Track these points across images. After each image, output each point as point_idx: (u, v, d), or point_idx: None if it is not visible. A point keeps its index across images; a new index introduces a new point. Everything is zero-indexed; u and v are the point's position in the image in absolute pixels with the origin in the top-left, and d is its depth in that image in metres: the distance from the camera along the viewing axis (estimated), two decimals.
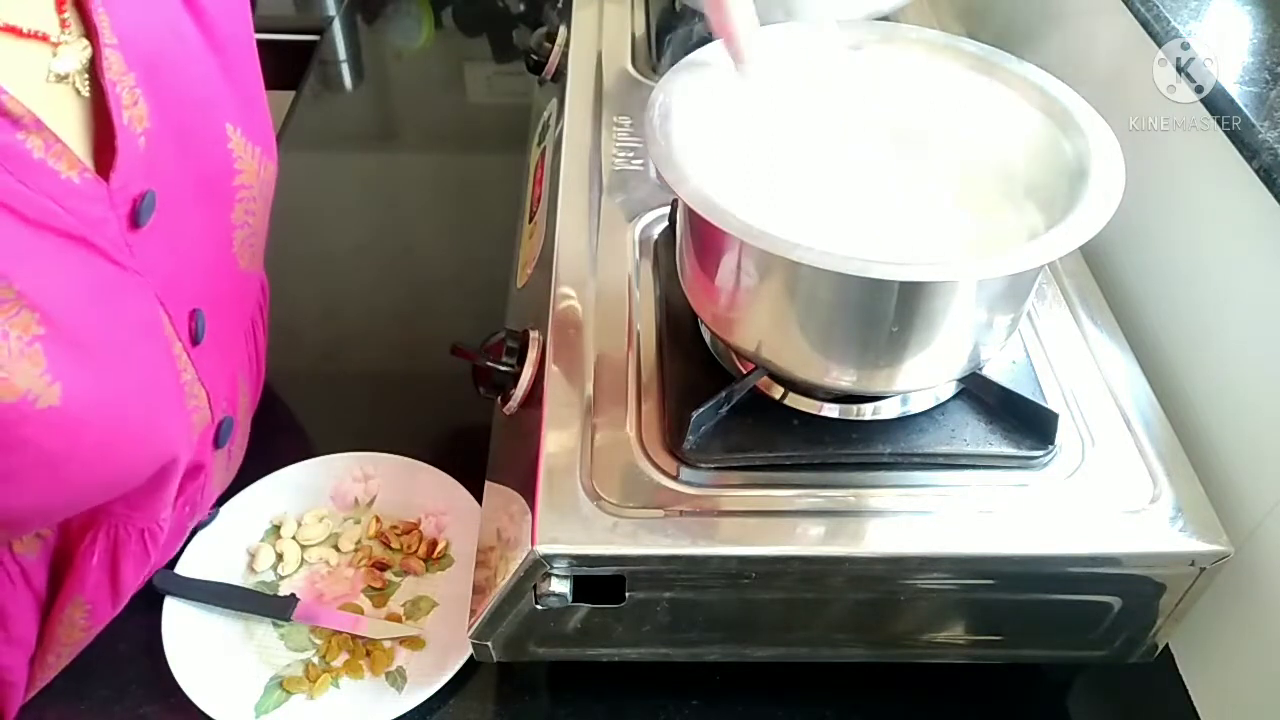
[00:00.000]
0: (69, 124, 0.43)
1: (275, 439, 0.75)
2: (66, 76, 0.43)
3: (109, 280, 0.46)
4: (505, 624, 0.52)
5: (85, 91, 0.44)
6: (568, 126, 0.75)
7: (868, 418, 0.54)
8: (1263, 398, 0.56)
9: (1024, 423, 0.53)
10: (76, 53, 0.43)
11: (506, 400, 0.58)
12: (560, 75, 0.84)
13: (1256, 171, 0.53)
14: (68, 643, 0.57)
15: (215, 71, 0.53)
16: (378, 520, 0.67)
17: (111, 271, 0.46)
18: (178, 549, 0.63)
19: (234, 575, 0.64)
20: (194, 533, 0.65)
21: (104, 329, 0.45)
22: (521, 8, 1.32)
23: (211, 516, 0.66)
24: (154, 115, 0.47)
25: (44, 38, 0.42)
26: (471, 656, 0.57)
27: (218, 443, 0.60)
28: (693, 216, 0.48)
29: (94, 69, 0.44)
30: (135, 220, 0.46)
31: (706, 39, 0.56)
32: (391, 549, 0.66)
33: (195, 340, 0.53)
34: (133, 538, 0.55)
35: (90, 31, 0.43)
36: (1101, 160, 0.49)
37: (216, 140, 0.53)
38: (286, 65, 1.20)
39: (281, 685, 0.58)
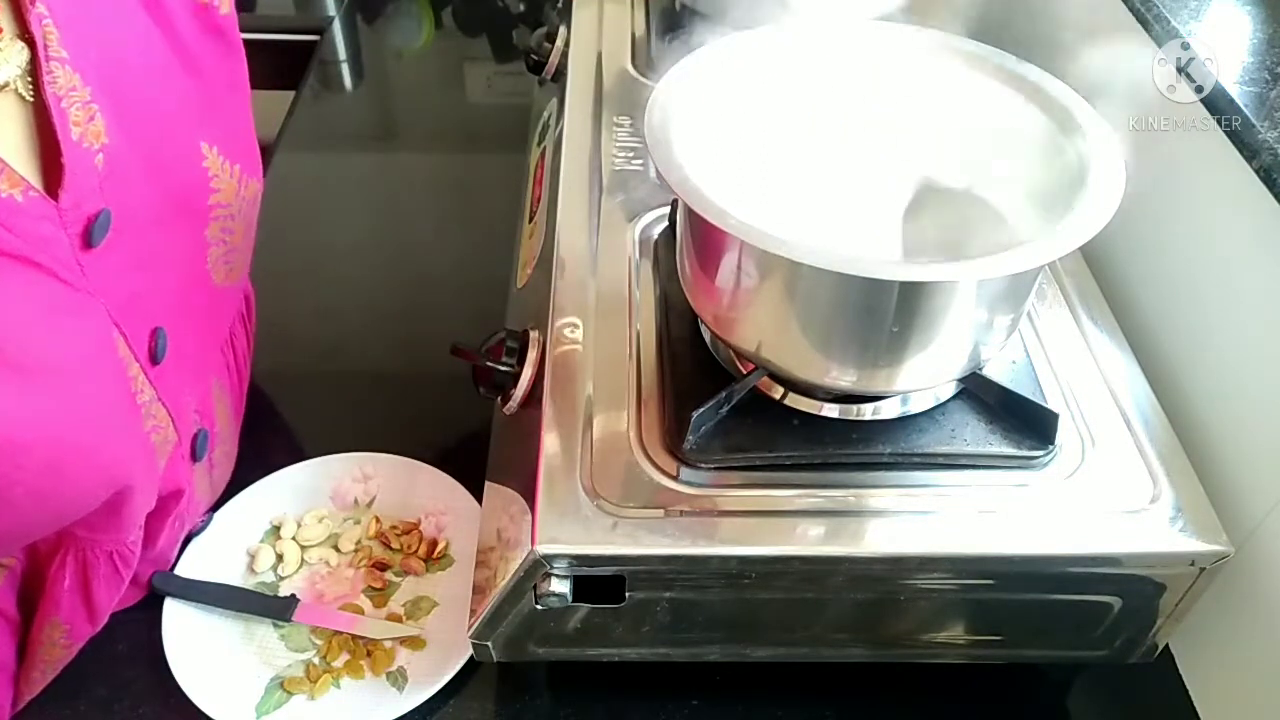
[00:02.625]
0: (12, 138, 0.42)
1: (275, 439, 0.75)
2: (6, 85, 0.42)
3: (56, 301, 0.44)
4: (505, 624, 0.52)
5: (29, 96, 0.42)
6: (568, 126, 0.75)
7: (868, 418, 0.54)
8: (1262, 398, 0.56)
9: (1024, 423, 0.53)
10: (12, 57, 0.42)
11: (506, 400, 0.57)
12: (560, 75, 0.84)
13: (1256, 171, 0.53)
14: (50, 660, 0.57)
15: (189, 90, 0.52)
16: (378, 520, 0.67)
17: (59, 292, 0.44)
18: (173, 559, 0.63)
19: (234, 576, 0.64)
20: (189, 539, 0.65)
21: (48, 351, 0.44)
22: (521, 8, 1.32)
23: (205, 523, 0.66)
24: (114, 131, 0.46)
25: None
26: (472, 656, 0.57)
27: (195, 457, 0.60)
28: (693, 216, 0.48)
29: (37, 77, 0.42)
30: (88, 240, 0.45)
31: (706, 39, 0.56)
32: (391, 549, 0.66)
33: (155, 360, 0.52)
34: (101, 560, 0.54)
35: (27, 34, 0.42)
36: (1101, 160, 0.49)
37: (189, 159, 0.52)
38: (286, 65, 1.20)
39: (282, 686, 0.58)
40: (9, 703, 0.57)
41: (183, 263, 0.54)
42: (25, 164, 0.43)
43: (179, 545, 0.64)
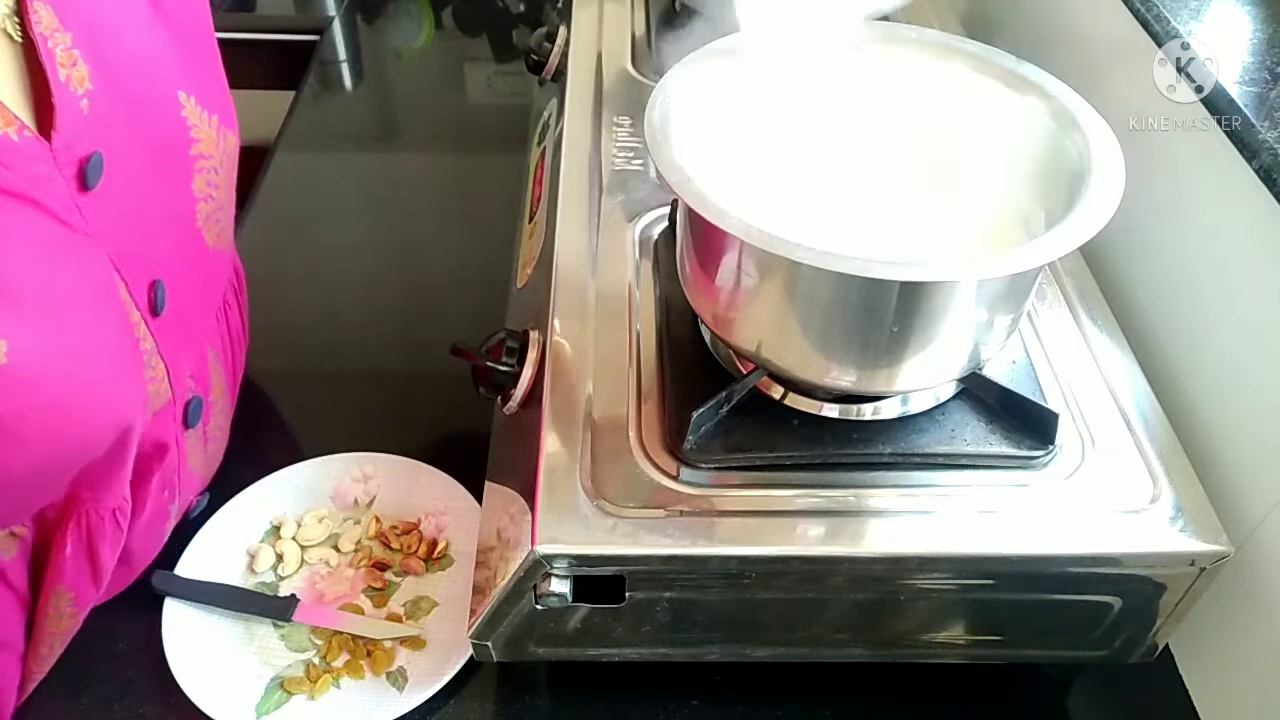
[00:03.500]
0: (3, 79, 0.43)
1: (275, 439, 0.75)
2: None
3: (57, 241, 0.45)
4: (505, 624, 0.52)
5: (17, 36, 0.43)
6: (568, 126, 0.75)
7: (868, 418, 0.54)
8: (1262, 398, 0.56)
9: (1024, 423, 0.53)
10: None
11: (506, 400, 0.58)
12: (560, 75, 0.84)
13: (1256, 171, 0.53)
14: (57, 632, 0.57)
15: (163, 38, 0.52)
16: (378, 520, 0.67)
17: (60, 232, 0.45)
18: (165, 537, 0.63)
19: (234, 576, 0.64)
20: (194, 529, 0.65)
21: (52, 288, 0.44)
22: (521, 8, 1.32)
23: (200, 504, 0.66)
24: (97, 77, 0.46)
25: None
26: (472, 656, 0.57)
27: (187, 423, 0.60)
28: (693, 216, 0.48)
29: (23, 17, 0.43)
30: (84, 182, 0.46)
31: (707, 40, 0.56)
32: (391, 549, 0.66)
33: (155, 311, 0.53)
34: (106, 520, 0.55)
35: None
36: (1101, 160, 0.49)
37: (169, 107, 0.53)
38: (286, 65, 1.20)
39: (282, 686, 0.58)
40: (17, 683, 0.57)
41: (175, 217, 0.55)
42: (17, 104, 0.43)
43: (173, 521, 0.63)
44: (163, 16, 0.53)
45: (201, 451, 0.64)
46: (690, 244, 0.53)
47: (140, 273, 0.51)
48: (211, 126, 0.56)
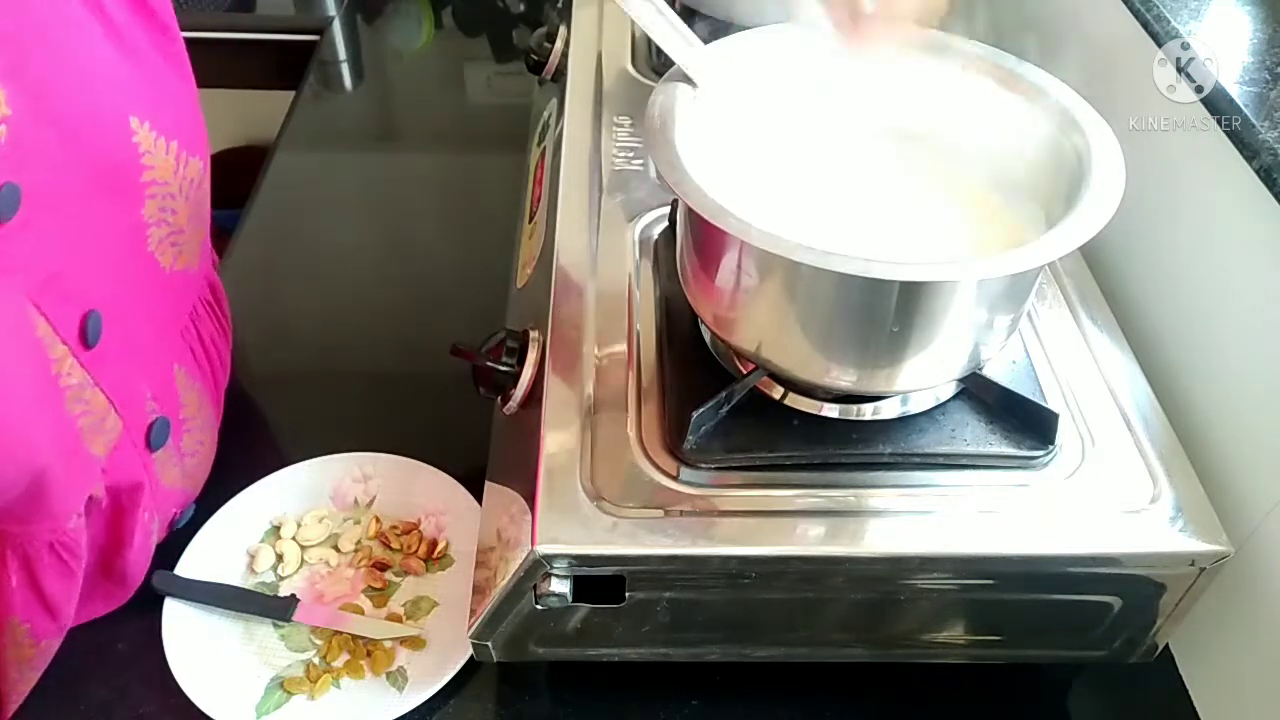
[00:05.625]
0: None
1: (274, 439, 0.75)
2: None
3: None
4: (505, 624, 0.52)
5: None
6: (568, 126, 0.75)
7: (868, 418, 0.54)
8: (1262, 398, 0.56)
9: (1024, 423, 0.53)
10: None
11: (506, 400, 0.58)
12: (560, 75, 0.84)
13: (1256, 171, 0.53)
14: (23, 659, 0.56)
15: (115, 61, 0.50)
16: (377, 520, 0.67)
17: None
18: (151, 552, 0.62)
19: (234, 576, 0.64)
20: (194, 529, 0.65)
21: None
22: (521, 8, 1.32)
23: (186, 514, 0.65)
24: (18, 102, 0.43)
25: None
26: (472, 656, 0.57)
27: (151, 445, 0.58)
28: (693, 217, 0.48)
29: None
30: None
31: (706, 39, 0.56)
32: (391, 549, 0.65)
33: (87, 343, 0.50)
34: (44, 552, 0.53)
35: None
36: (1101, 160, 0.49)
37: (116, 134, 0.50)
38: (286, 65, 1.20)
39: (282, 686, 0.58)
40: None
41: (119, 244, 0.53)
42: None
43: (158, 537, 0.63)
44: (115, 38, 0.51)
45: (178, 467, 0.63)
46: (690, 244, 0.53)
47: (69, 305, 0.49)
48: (169, 153, 0.53)
